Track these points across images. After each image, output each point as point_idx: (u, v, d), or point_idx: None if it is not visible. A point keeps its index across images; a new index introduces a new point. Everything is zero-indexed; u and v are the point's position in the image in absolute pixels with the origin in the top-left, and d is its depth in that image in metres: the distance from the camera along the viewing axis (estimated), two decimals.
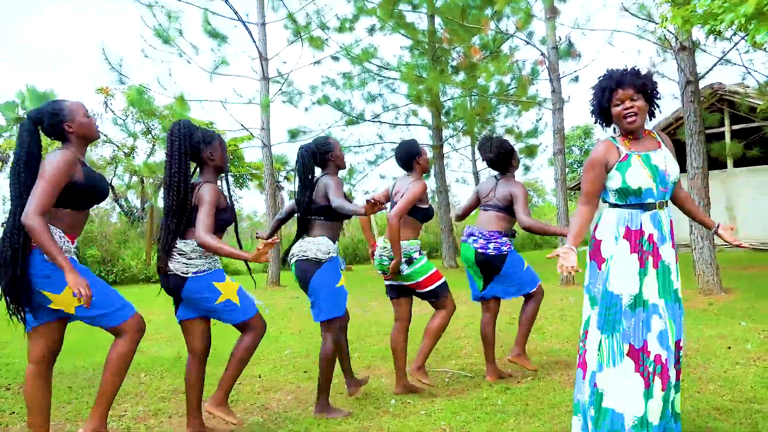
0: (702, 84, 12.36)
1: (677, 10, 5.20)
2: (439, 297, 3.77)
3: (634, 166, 2.59)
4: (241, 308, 3.00)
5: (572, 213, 2.77)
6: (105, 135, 22.22)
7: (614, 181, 2.63)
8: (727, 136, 13.22)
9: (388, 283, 3.90)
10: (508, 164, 4.11)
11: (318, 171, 3.61)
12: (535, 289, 4.11)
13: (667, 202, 2.70)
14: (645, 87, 2.66)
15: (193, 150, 3.04)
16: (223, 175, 3.17)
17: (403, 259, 3.68)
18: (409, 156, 3.86)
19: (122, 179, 23.69)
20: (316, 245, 3.38)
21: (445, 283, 3.80)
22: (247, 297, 3.07)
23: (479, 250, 3.98)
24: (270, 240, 2.69)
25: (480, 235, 4.00)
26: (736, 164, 13.61)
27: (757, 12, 4.27)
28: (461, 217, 4.43)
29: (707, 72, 7.27)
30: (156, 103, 12.08)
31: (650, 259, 2.60)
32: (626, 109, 2.62)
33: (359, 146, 14.04)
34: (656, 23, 5.96)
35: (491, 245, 3.96)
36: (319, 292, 3.37)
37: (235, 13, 9.35)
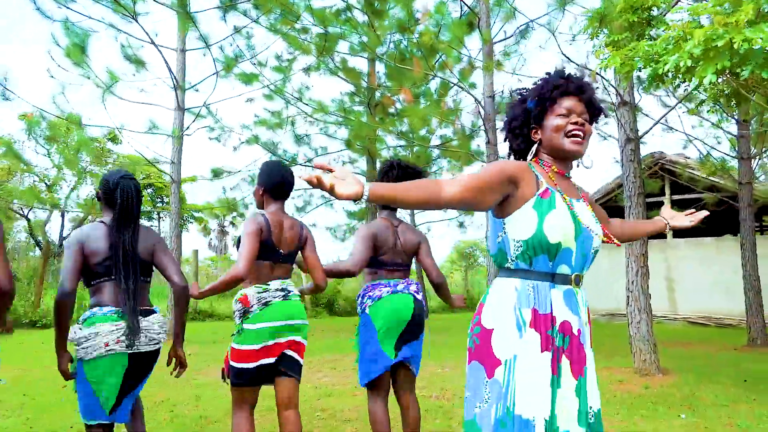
0: (644, 150, 12.20)
1: (616, 51, 4.59)
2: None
3: (559, 209, 1.67)
4: None
5: None
6: (25, 164, 20.59)
7: (523, 226, 1.67)
8: (667, 204, 12.90)
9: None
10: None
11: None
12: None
13: (582, 278, 1.78)
14: (596, 114, 1.84)
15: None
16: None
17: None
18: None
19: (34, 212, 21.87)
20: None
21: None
22: None
23: (418, 300, 3.04)
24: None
25: (412, 282, 3.09)
26: (676, 235, 13.29)
27: (705, 51, 3.64)
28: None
29: (648, 131, 6.74)
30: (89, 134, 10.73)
31: (565, 362, 1.66)
32: (574, 124, 1.75)
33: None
34: (596, 72, 5.36)
35: (420, 294, 3.08)
36: None
37: (148, 34, 8.47)
